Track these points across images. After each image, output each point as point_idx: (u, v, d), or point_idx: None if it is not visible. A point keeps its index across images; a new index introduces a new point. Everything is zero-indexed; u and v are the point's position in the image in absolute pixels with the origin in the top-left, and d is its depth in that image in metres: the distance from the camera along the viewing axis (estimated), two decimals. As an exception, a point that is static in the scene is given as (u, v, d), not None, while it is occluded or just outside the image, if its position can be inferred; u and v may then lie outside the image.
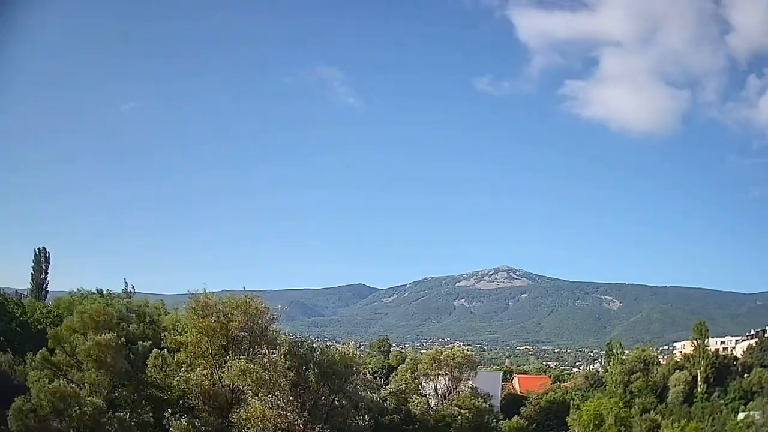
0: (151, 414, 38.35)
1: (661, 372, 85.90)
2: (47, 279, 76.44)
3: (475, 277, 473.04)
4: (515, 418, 72.71)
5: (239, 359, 37.02)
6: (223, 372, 37.71)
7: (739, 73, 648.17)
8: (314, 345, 47.30)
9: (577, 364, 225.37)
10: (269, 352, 38.41)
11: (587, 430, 65.36)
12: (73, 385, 35.21)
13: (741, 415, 71.34)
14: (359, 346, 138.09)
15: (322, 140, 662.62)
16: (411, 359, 75.19)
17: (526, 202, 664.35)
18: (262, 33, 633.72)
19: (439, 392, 66.29)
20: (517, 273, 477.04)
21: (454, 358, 66.10)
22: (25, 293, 73.12)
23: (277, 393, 37.20)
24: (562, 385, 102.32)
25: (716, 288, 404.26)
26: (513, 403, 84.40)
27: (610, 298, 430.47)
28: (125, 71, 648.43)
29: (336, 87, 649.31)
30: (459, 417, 59.74)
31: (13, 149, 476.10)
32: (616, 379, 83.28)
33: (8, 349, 44.82)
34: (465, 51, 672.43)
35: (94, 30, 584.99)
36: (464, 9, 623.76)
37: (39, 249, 76.77)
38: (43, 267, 76.03)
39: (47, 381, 34.56)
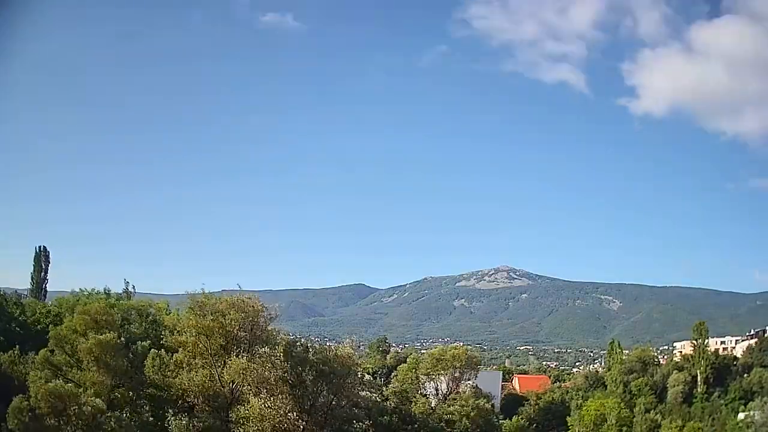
0: (150, 413, 38.33)
1: (661, 372, 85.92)
2: (47, 279, 76.45)
3: (475, 277, 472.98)
4: (515, 418, 72.69)
5: (240, 358, 37.00)
6: (222, 371, 37.69)
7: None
8: (309, 345, 47.27)
9: (577, 364, 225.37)
10: (269, 351, 38.43)
11: (588, 430, 65.48)
12: (72, 385, 35.15)
13: (741, 415, 71.36)
14: (359, 346, 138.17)
15: (322, 142, 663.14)
16: (412, 359, 75.24)
17: (526, 202, 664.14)
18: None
19: (440, 392, 66.29)
20: (517, 273, 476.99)
21: (455, 358, 66.14)
22: (25, 293, 73.00)
23: (277, 392, 37.18)
24: (562, 385, 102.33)
25: (716, 288, 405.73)
26: (513, 403, 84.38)
27: (610, 298, 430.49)
28: (128, 73, 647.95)
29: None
30: (462, 418, 59.68)
31: (14, 150, 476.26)
32: (616, 379, 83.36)
33: (8, 350, 44.78)
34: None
35: (98, 31, 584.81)
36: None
37: (39, 248, 76.86)
38: (43, 266, 75.98)
39: (45, 381, 34.49)
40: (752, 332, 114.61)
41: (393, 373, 77.10)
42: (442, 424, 59.12)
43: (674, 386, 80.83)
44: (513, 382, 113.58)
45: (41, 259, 76.08)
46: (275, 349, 39.57)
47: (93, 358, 36.49)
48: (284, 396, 37.58)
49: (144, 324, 46.48)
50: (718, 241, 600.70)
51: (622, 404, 69.24)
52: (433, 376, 66.47)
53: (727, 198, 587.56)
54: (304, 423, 37.48)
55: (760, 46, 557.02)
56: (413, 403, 61.28)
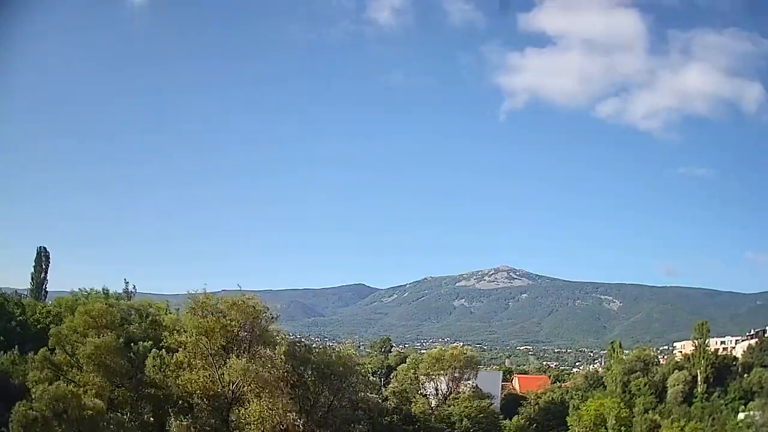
0: (150, 413, 38.35)
1: (661, 372, 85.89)
2: (47, 279, 76.60)
3: (475, 277, 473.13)
4: (515, 418, 72.68)
5: (240, 358, 37.00)
6: (223, 372, 37.68)
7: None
8: (312, 345, 47.32)
9: (577, 364, 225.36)
10: (270, 351, 38.46)
11: (588, 430, 65.47)
12: (73, 386, 35.16)
13: (741, 415, 71.35)
14: (359, 346, 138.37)
15: (322, 144, 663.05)
16: (412, 359, 75.26)
17: (526, 202, 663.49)
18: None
19: (440, 392, 66.31)
20: (517, 273, 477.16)
21: (455, 358, 66.16)
22: (25, 293, 73.11)
23: (277, 393, 37.20)
24: (562, 385, 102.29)
25: (716, 288, 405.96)
26: (513, 403, 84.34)
27: (610, 298, 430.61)
28: (129, 72, 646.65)
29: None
30: (462, 419, 59.68)
31: (13, 150, 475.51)
32: (616, 379, 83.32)
33: (9, 349, 44.82)
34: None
35: (98, 29, 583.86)
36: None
37: (40, 248, 76.97)
38: (43, 267, 76.10)
39: (48, 383, 34.48)
40: (752, 332, 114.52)
41: (393, 373, 77.19)
42: (442, 424, 59.15)
43: (674, 386, 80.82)
44: (513, 382, 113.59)
45: (41, 259, 76.23)
46: (277, 349, 39.56)
47: (93, 362, 36.47)
48: (285, 396, 37.60)
49: (144, 324, 46.55)
50: (718, 241, 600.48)
51: (621, 404, 69.19)
52: (433, 377, 66.47)
53: (727, 198, 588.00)
54: (304, 423, 37.48)
55: (597, 26, 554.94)
56: (413, 404, 61.34)
